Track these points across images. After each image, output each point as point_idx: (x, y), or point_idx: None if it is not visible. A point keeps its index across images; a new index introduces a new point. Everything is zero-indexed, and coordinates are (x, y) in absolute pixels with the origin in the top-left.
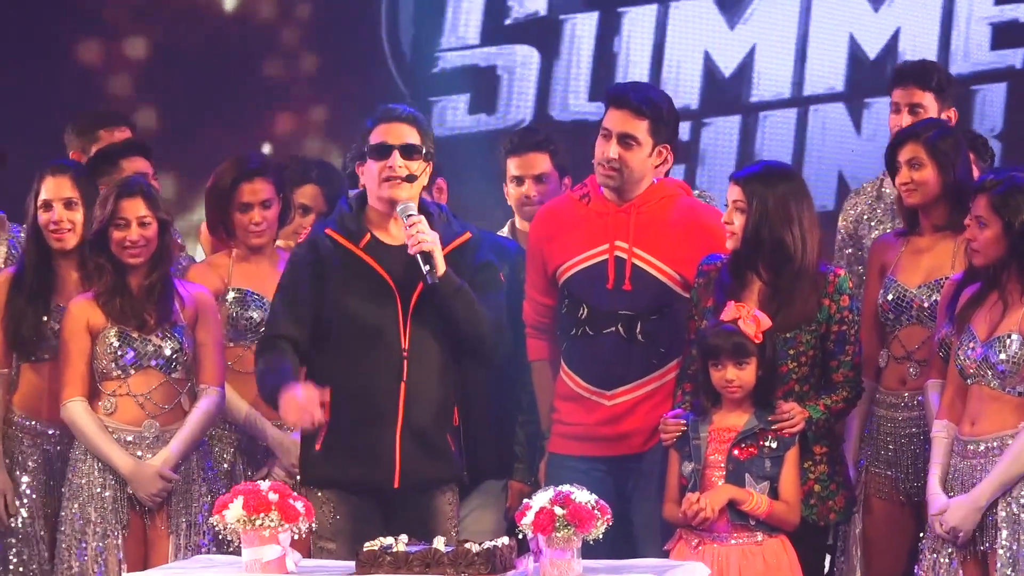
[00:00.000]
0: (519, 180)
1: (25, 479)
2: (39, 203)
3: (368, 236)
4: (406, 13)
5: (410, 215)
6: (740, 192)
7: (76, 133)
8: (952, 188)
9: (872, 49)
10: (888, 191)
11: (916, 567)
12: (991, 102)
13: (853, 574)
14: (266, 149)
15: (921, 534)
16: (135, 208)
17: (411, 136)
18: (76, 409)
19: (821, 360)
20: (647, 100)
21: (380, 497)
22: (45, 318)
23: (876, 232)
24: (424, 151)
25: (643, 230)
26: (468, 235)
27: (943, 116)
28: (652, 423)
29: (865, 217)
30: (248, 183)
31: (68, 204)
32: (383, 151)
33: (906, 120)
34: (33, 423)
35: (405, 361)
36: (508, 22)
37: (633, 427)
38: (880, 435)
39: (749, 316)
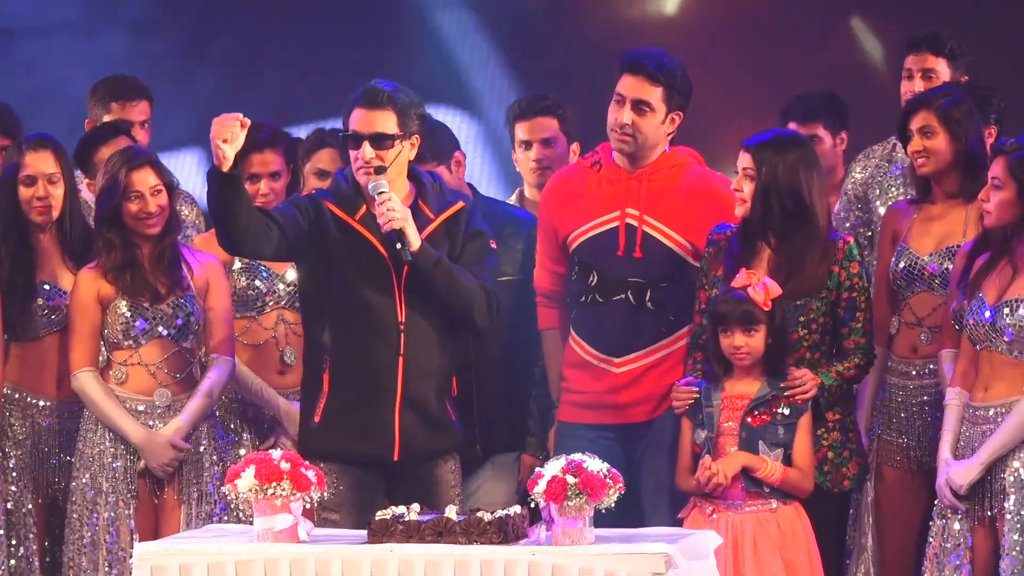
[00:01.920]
0: (527, 144)
1: (15, 453)
2: (21, 177)
3: (364, 209)
4: None
5: (381, 192)
6: (750, 159)
7: (93, 101)
8: (964, 156)
9: None
10: (900, 155)
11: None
12: None
13: (865, 540)
14: None
15: (935, 502)
16: (146, 179)
17: (385, 123)
18: (87, 379)
19: (832, 327)
20: (662, 66)
21: (381, 468)
22: (37, 299)
23: (886, 196)
24: (397, 138)
25: (654, 198)
26: (461, 204)
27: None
28: (660, 391)
29: (877, 180)
30: (258, 154)
31: (51, 179)
32: (355, 141)
33: (919, 86)
34: (24, 395)
35: (402, 334)
36: None
37: (641, 395)
38: (892, 403)
39: (759, 283)
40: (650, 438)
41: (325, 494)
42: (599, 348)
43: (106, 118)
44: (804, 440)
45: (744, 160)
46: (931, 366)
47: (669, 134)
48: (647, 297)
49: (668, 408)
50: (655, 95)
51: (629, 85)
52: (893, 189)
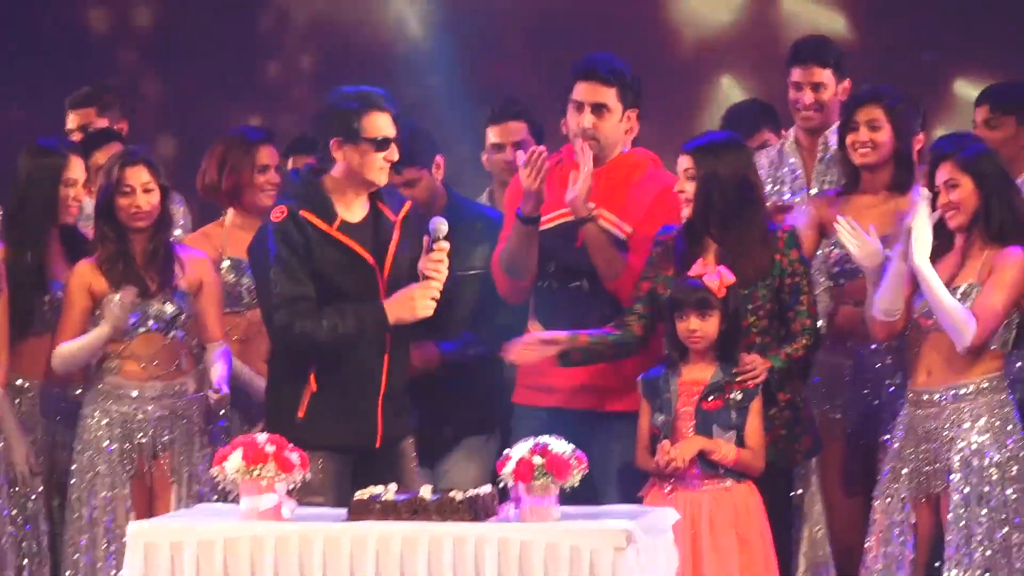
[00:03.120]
0: (499, 147)
1: (27, 439)
2: (67, 182)
3: (339, 219)
4: None
5: (441, 239)
6: (690, 160)
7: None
8: (903, 151)
9: None
10: (789, 151)
11: (870, 512)
12: None
13: (811, 511)
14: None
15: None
16: (139, 175)
17: (394, 126)
18: (62, 345)
19: (778, 312)
20: (613, 69)
21: (358, 452)
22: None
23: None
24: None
25: (611, 193)
26: (409, 203)
27: (840, 88)
28: (610, 381)
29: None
30: (266, 147)
31: (68, 184)
32: (383, 144)
33: (808, 98)
34: (36, 383)
35: (387, 334)
36: None
37: (592, 382)
38: (832, 381)
39: (714, 271)
40: (600, 427)
41: (308, 476)
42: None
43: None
44: (755, 422)
45: (685, 162)
46: (872, 346)
47: (627, 131)
48: (598, 284)
49: (617, 411)
50: (610, 96)
51: (584, 91)
52: (781, 186)
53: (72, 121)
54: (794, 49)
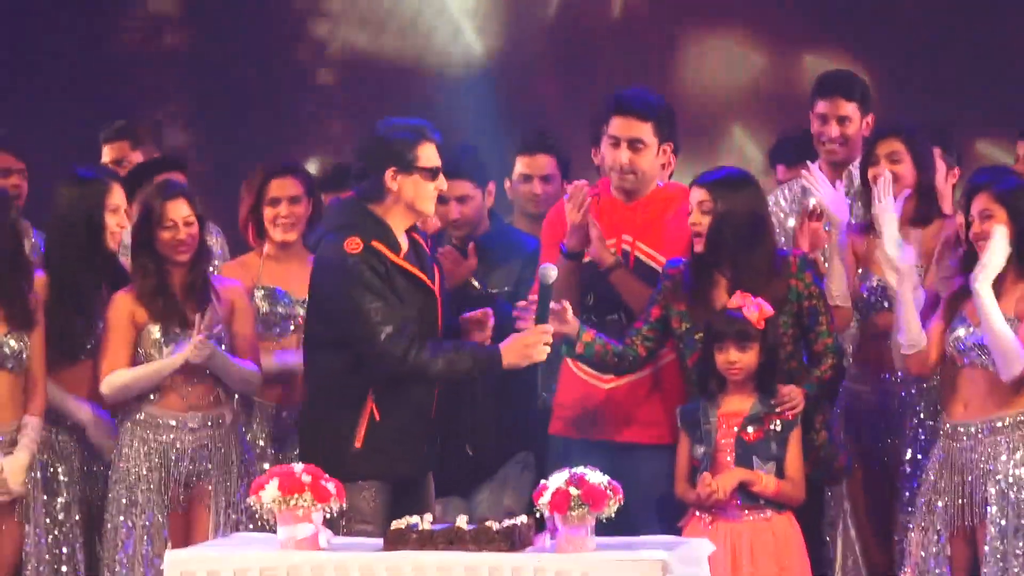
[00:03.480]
0: (527, 178)
1: (62, 468)
2: (111, 209)
3: (406, 246)
4: None
5: (547, 285)
6: (706, 194)
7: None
8: (925, 184)
9: None
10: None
11: (900, 540)
12: None
13: (845, 533)
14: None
15: (909, 508)
16: (179, 209)
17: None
18: (118, 373)
19: (801, 336)
20: (648, 103)
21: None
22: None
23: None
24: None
25: (647, 226)
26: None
27: (864, 123)
28: (645, 415)
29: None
30: (278, 179)
31: (115, 211)
32: (436, 173)
33: (834, 131)
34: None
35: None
36: None
37: (627, 414)
38: (855, 409)
39: (753, 303)
40: (637, 460)
41: (345, 506)
42: (591, 365)
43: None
44: (795, 452)
45: (700, 195)
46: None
47: (663, 165)
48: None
49: (656, 444)
50: (646, 131)
51: (621, 126)
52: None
53: (107, 155)
54: (819, 82)
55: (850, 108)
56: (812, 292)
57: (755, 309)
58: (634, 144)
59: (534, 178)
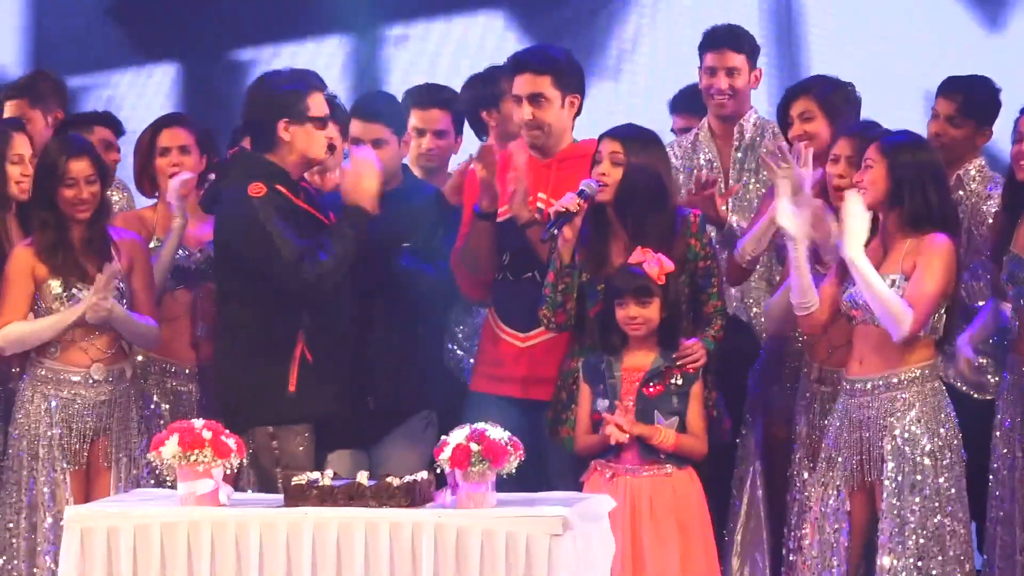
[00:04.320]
0: (420, 132)
1: None
2: (12, 159)
3: (311, 187)
4: None
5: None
6: (620, 146)
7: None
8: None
9: None
10: (704, 141)
11: (793, 494)
12: None
13: (751, 495)
14: None
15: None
16: (83, 168)
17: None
18: (13, 325)
19: (694, 297)
20: (544, 57)
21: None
22: None
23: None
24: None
25: (562, 184)
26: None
27: (752, 76)
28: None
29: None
30: (167, 130)
31: (20, 159)
32: (326, 122)
33: (723, 83)
34: None
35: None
36: None
37: (547, 373)
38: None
39: (654, 259)
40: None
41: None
42: (509, 323)
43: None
44: (696, 407)
45: (613, 146)
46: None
47: (573, 117)
48: None
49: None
50: (545, 84)
51: (520, 84)
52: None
53: (8, 111)
54: (707, 35)
55: (739, 60)
56: (707, 253)
57: (655, 265)
58: (535, 99)
59: (427, 132)
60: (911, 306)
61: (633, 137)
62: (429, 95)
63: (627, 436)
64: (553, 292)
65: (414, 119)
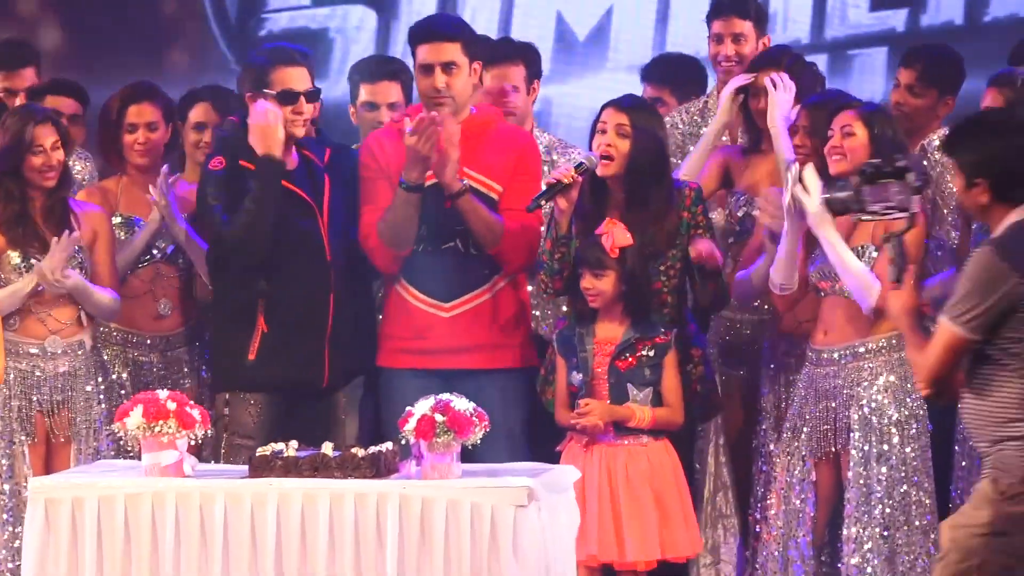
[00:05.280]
0: (372, 106)
1: None
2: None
3: (291, 164)
4: None
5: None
6: (626, 118)
7: None
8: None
9: None
10: (713, 108)
11: (759, 464)
12: (871, 66)
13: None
14: None
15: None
16: (48, 134)
17: (308, 81)
18: None
19: (685, 268)
20: (454, 24)
21: (296, 397)
22: None
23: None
24: (320, 91)
25: (470, 152)
26: (329, 150)
27: (760, 44)
28: (488, 339)
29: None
30: (135, 105)
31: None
32: (290, 97)
33: (730, 50)
34: None
35: (331, 272)
36: None
37: (473, 341)
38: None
39: (609, 232)
40: (480, 388)
41: (242, 419)
42: (430, 294)
43: None
44: (672, 377)
45: (618, 118)
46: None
47: (475, 85)
48: (470, 243)
49: (497, 369)
50: (456, 52)
51: (431, 52)
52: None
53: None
54: (714, 3)
55: (745, 26)
56: (699, 223)
57: (609, 238)
58: (447, 67)
59: (380, 106)
60: (880, 278)
61: (638, 108)
62: (378, 68)
63: (600, 423)
64: (550, 260)
65: (364, 93)
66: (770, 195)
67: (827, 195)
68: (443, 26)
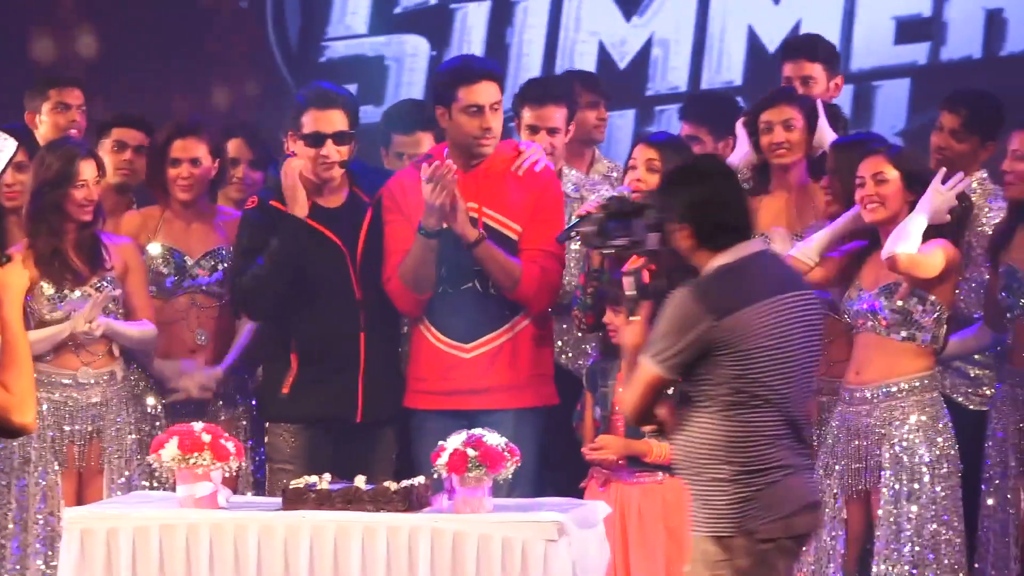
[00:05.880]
0: (402, 156)
1: None
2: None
3: (310, 202)
4: (292, 1)
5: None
6: (656, 153)
7: (30, 96)
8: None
9: (771, 42)
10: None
11: None
12: (894, 99)
13: None
14: None
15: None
16: (91, 169)
17: (342, 122)
18: None
19: None
20: (496, 66)
21: (336, 429)
22: None
23: None
24: (354, 134)
25: (490, 192)
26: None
27: (831, 84)
28: (508, 381)
29: None
30: (180, 140)
31: (18, 167)
32: (317, 140)
33: (798, 91)
34: None
35: (362, 311)
36: (397, 11)
37: (489, 383)
38: None
39: (630, 270)
40: (504, 425)
41: (277, 445)
42: (450, 335)
43: (44, 106)
44: None
45: (649, 153)
46: None
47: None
48: (490, 283)
49: (515, 410)
50: (499, 92)
51: (481, 92)
52: None
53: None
54: (785, 46)
55: (815, 69)
56: None
57: (630, 279)
58: (494, 107)
59: (415, 156)
60: (919, 251)
61: (668, 144)
62: (409, 120)
63: (612, 457)
64: (583, 295)
65: (397, 145)
66: (779, 233)
67: (574, 228)
68: (492, 67)
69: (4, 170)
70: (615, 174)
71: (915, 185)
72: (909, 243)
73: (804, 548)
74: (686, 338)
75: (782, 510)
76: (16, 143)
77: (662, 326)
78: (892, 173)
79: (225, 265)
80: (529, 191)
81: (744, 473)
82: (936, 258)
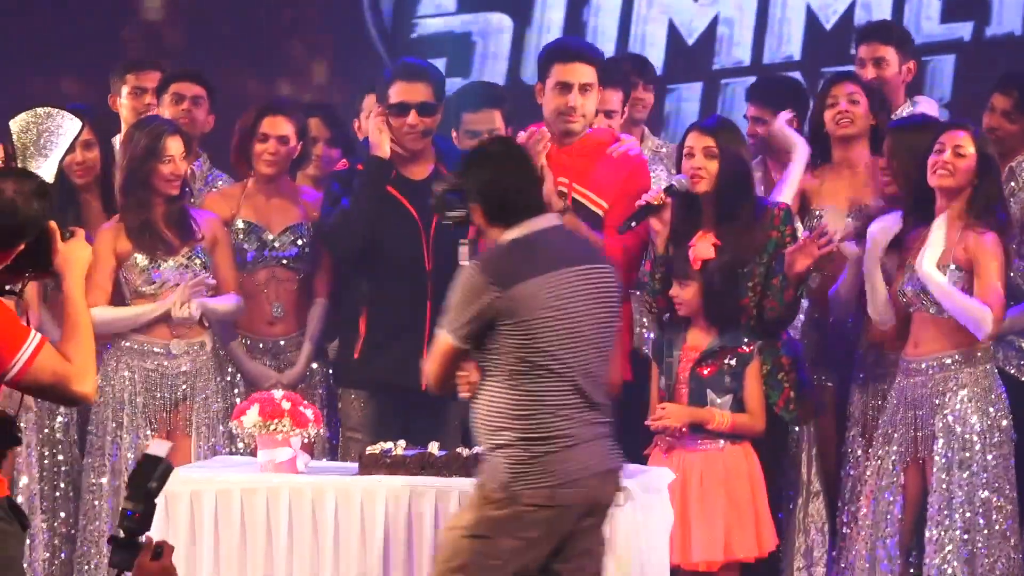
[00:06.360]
0: (474, 134)
1: None
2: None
3: (394, 173)
4: None
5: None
6: (712, 140)
7: (112, 80)
8: (876, 127)
9: (828, 19)
10: None
11: (847, 470)
12: (940, 73)
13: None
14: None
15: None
16: (177, 146)
17: (427, 93)
18: (97, 309)
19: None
20: (592, 48)
21: (404, 398)
22: None
23: None
24: (439, 105)
25: (582, 169)
26: None
27: (904, 68)
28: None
29: None
30: (269, 117)
31: (87, 145)
32: (402, 109)
33: (871, 73)
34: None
35: (429, 281)
36: None
37: None
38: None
39: (698, 245)
40: None
41: (348, 413)
42: None
43: (123, 89)
44: (753, 386)
45: (704, 140)
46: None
47: (597, 110)
48: None
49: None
50: (592, 75)
51: (572, 71)
52: None
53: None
54: (860, 30)
55: (888, 52)
56: (787, 243)
57: (694, 250)
58: (584, 88)
59: (483, 133)
60: (990, 306)
61: (721, 128)
62: (482, 98)
63: (675, 425)
64: (651, 280)
65: (468, 122)
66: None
67: (634, 218)
68: (585, 49)
69: (72, 149)
70: (664, 149)
71: (985, 169)
72: (979, 315)
73: (594, 518)
74: (472, 308)
75: (551, 480)
76: (80, 123)
77: (454, 297)
78: (971, 150)
79: (304, 240)
80: (619, 173)
81: (523, 440)
82: (997, 282)
